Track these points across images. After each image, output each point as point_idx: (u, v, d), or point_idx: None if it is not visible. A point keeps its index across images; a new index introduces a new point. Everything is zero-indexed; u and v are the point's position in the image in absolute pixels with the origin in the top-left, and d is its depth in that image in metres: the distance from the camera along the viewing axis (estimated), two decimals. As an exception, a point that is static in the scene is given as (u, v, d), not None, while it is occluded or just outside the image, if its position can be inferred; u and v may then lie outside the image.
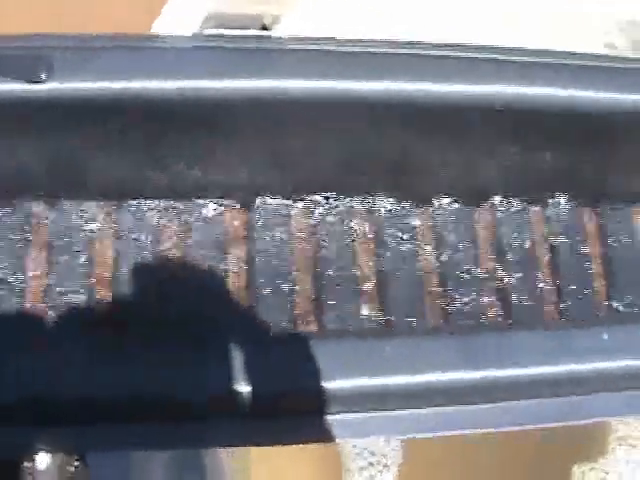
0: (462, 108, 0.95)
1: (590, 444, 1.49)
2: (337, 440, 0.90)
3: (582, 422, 0.99)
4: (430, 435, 0.95)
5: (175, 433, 0.89)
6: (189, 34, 1.44)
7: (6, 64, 0.96)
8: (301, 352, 0.87)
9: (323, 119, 1.00)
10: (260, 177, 1.09)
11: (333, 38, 1.00)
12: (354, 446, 1.24)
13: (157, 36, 1.16)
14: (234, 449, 1.15)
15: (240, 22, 1.79)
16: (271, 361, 0.90)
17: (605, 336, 0.89)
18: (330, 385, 0.87)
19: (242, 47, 1.02)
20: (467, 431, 0.96)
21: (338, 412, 0.87)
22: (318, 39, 1.00)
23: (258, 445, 0.93)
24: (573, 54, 1.00)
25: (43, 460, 1.10)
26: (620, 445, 1.48)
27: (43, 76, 0.98)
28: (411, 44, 0.99)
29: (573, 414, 0.94)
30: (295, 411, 0.87)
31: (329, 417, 0.87)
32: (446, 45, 0.99)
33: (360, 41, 0.99)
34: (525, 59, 0.96)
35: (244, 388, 0.88)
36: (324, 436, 0.87)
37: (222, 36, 1.29)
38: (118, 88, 0.96)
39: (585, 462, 1.50)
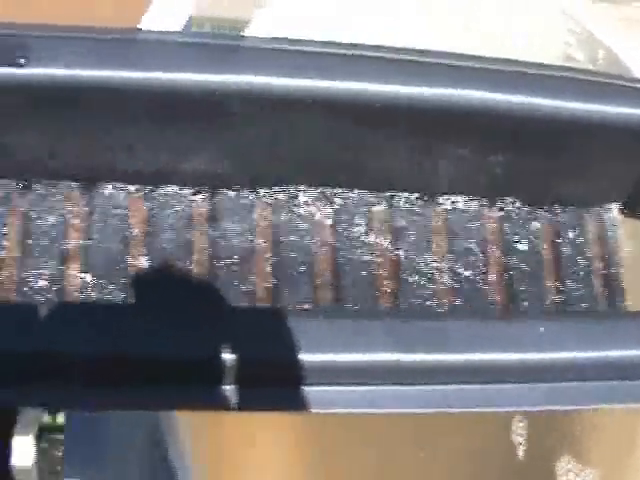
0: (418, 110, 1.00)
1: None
2: (313, 411, 0.93)
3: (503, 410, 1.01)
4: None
5: (157, 395, 0.90)
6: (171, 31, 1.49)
7: None
8: (281, 326, 0.91)
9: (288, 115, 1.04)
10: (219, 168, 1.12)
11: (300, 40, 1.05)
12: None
13: (137, 30, 1.19)
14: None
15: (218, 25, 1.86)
16: (248, 331, 0.92)
17: (542, 329, 0.96)
18: (306, 358, 0.90)
19: (218, 44, 1.06)
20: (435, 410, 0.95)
21: (314, 384, 0.91)
22: (281, 40, 1.04)
23: (238, 410, 0.92)
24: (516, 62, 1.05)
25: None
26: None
27: (22, 61, 1.02)
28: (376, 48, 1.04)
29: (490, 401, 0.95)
30: (274, 381, 0.91)
31: (306, 388, 0.91)
32: (406, 50, 1.04)
33: (325, 43, 1.03)
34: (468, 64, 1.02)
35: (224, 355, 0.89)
36: (300, 406, 0.91)
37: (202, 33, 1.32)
38: (90, 76, 0.99)
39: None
